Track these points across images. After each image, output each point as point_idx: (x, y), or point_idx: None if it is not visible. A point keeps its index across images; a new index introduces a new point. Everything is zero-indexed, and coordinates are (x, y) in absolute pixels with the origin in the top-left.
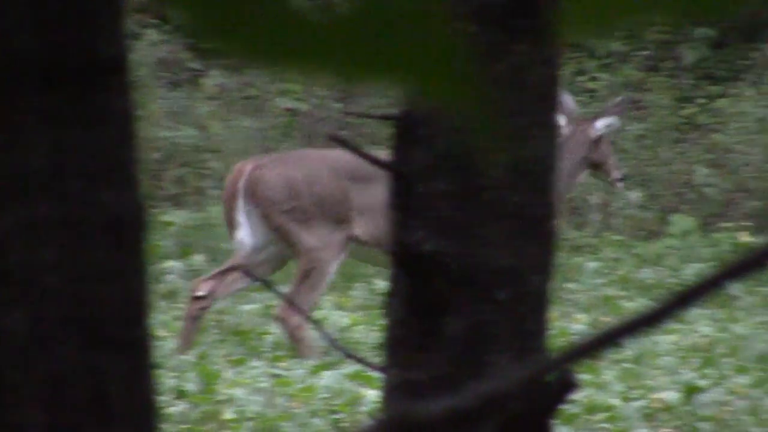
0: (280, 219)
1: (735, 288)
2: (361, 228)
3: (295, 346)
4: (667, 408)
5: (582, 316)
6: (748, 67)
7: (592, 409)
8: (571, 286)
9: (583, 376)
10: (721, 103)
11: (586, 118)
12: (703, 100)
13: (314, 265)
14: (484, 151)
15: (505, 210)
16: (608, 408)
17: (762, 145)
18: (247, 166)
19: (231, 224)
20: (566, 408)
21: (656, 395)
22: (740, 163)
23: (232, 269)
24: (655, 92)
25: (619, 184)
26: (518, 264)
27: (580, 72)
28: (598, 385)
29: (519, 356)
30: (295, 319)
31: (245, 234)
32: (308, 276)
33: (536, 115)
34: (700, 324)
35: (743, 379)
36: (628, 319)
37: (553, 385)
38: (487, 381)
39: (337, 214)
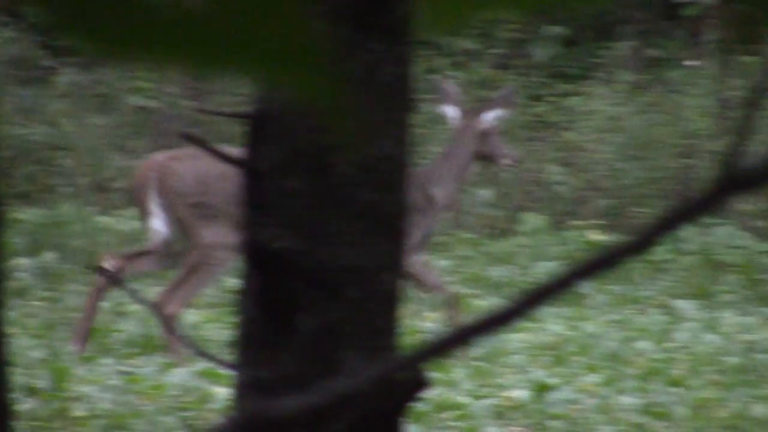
0: (185, 211)
1: (585, 286)
2: None
3: (164, 336)
4: (517, 406)
5: (432, 314)
6: (599, 65)
7: (442, 407)
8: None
9: (434, 374)
10: (572, 101)
11: (474, 110)
12: (554, 99)
13: (207, 262)
14: (337, 149)
15: (356, 208)
16: (458, 406)
17: (613, 143)
18: (160, 157)
19: (143, 212)
20: (416, 406)
21: (506, 393)
22: (591, 162)
23: (143, 253)
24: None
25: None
26: (369, 262)
27: (432, 70)
28: (449, 383)
29: (370, 354)
30: (172, 308)
31: (159, 223)
32: (198, 271)
33: (389, 112)
34: (550, 322)
35: (593, 378)
36: (480, 317)
37: (403, 383)
38: (339, 379)
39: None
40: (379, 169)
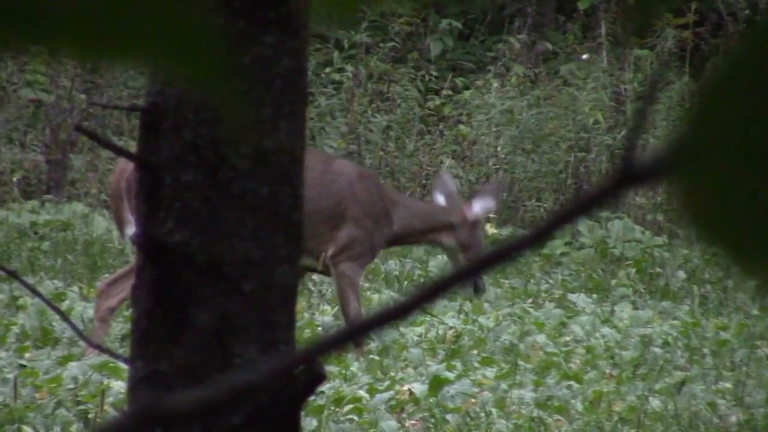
0: None
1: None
2: None
3: (96, 324)
4: (414, 400)
5: (328, 308)
6: (493, 59)
7: (339, 400)
8: (317, 278)
9: (331, 368)
10: (466, 94)
11: (464, 202)
12: (448, 92)
13: None
14: (232, 142)
15: (251, 201)
16: (355, 400)
17: (507, 136)
18: (129, 164)
19: (119, 223)
20: (313, 399)
21: (403, 387)
22: (485, 155)
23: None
24: (401, 84)
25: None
26: (265, 255)
27: (327, 63)
28: (345, 377)
29: (267, 348)
30: (111, 302)
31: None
32: None
33: (283, 106)
34: (446, 316)
35: (490, 371)
36: (376, 311)
37: (301, 377)
38: (235, 373)
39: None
40: (274, 162)
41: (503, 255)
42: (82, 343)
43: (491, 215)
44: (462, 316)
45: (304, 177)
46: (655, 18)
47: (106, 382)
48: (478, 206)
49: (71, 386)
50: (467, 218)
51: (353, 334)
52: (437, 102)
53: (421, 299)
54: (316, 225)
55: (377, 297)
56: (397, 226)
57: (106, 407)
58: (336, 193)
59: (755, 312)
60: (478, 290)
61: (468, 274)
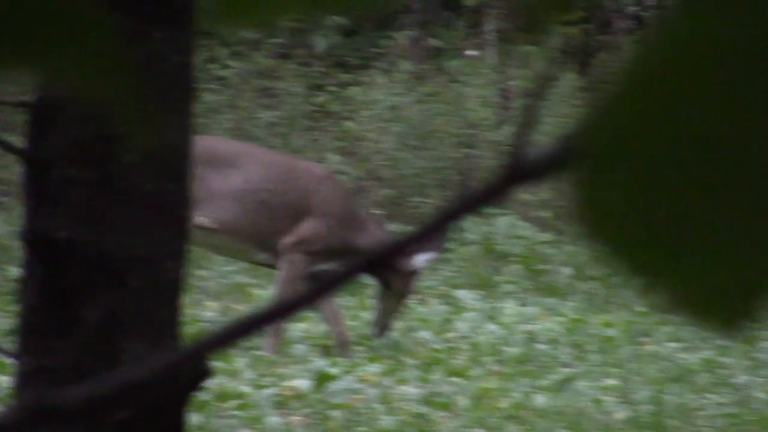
0: None
1: (367, 277)
2: (206, 216)
3: None
4: (299, 396)
5: (213, 304)
6: (380, 55)
7: (223, 396)
8: (202, 273)
9: (215, 364)
10: (352, 91)
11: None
12: (334, 88)
13: None
14: (120, 138)
15: (139, 197)
16: (240, 395)
17: (393, 133)
18: None
19: None
20: (198, 395)
21: (288, 383)
22: (371, 151)
23: None
24: (286, 80)
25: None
26: (152, 251)
27: (213, 59)
28: (230, 373)
29: (153, 344)
30: None
31: None
32: None
33: (172, 102)
34: None
35: (374, 368)
36: (262, 307)
37: (186, 373)
38: (122, 368)
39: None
40: (162, 159)
41: (391, 251)
42: None
43: (375, 210)
44: (346, 312)
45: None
46: (541, 16)
47: None
48: (421, 258)
49: None
50: (408, 267)
51: (239, 330)
52: (323, 98)
53: (306, 296)
54: (280, 220)
55: (262, 293)
56: (361, 244)
57: None
58: (302, 188)
59: (641, 309)
60: (383, 331)
61: (355, 272)
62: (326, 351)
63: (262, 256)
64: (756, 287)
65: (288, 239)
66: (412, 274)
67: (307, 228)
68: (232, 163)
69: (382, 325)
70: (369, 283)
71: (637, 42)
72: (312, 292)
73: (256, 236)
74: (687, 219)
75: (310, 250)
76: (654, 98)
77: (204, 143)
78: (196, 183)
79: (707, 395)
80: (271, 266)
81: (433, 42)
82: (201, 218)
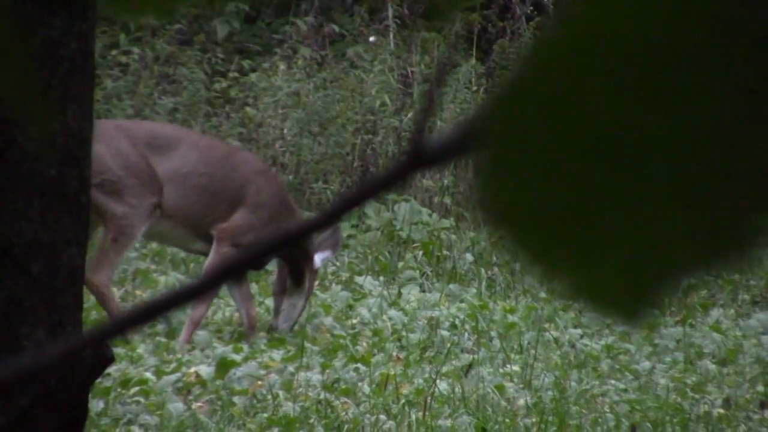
0: (93, 194)
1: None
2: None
3: (101, 306)
4: (201, 382)
5: (115, 290)
6: (280, 41)
7: (125, 382)
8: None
9: (117, 350)
10: (253, 77)
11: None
12: (235, 74)
13: (123, 231)
14: (19, 124)
15: (39, 184)
16: (142, 381)
17: (294, 119)
18: None
19: None
20: (100, 381)
21: (190, 369)
22: (272, 138)
23: None
24: (187, 66)
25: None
26: (53, 238)
27: (113, 46)
28: (132, 359)
29: (55, 330)
30: (100, 278)
31: None
32: (116, 242)
33: (71, 88)
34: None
35: (276, 354)
36: (164, 293)
37: (88, 359)
38: (23, 355)
39: (144, 181)
40: (61, 145)
41: (289, 238)
42: None
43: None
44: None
45: (210, 158)
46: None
47: None
48: (319, 257)
49: None
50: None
51: (141, 316)
52: (224, 84)
53: (208, 282)
54: (219, 206)
55: (164, 279)
56: None
57: None
58: (240, 177)
59: (543, 295)
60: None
61: (257, 255)
62: (231, 337)
63: (198, 244)
64: (658, 275)
65: (220, 225)
66: (314, 273)
67: (238, 218)
68: (171, 146)
69: (293, 321)
70: (269, 269)
71: (538, 28)
72: (211, 279)
73: (194, 221)
74: (587, 206)
75: (238, 241)
76: (554, 85)
77: (144, 127)
78: (150, 166)
79: (609, 381)
80: (205, 254)
81: (334, 28)
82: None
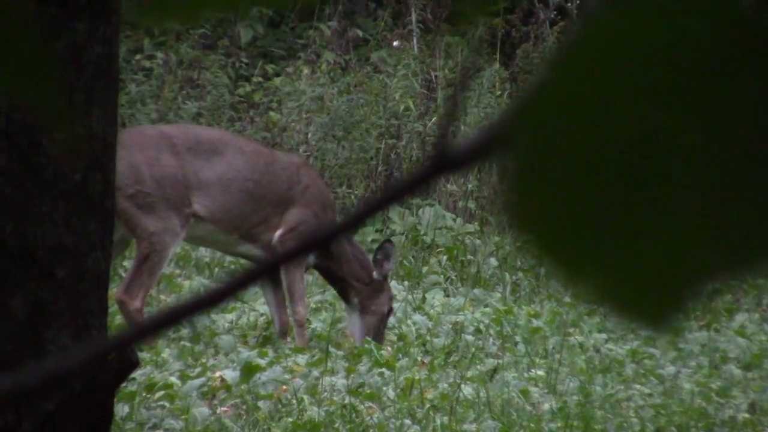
0: (124, 204)
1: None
2: (200, 204)
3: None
4: (226, 386)
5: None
6: (304, 46)
7: (151, 387)
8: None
9: (143, 354)
10: (277, 81)
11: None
12: (259, 79)
13: (155, 248)
14: (44, 129)
15: (64, 188)
16: (167, 386)
17: (318, 123)
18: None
19: None
20: (125, 386)
21: (215, 374)
22: (296, 142)
23: None
24: (211, 71)
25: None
26: (77, 242)
27: (137, 50)
28: (157, 363)
29: (80, 334)
30: (135, 303)
31: None
32: (148, 259)
33: (95, 93)
34: (258, 303)
35: (302, 358)
36: (189, 297)
37: (114, 363)
38: (49, 360)
39: (177, 195)
40: (85, 149)
41: (315, 243)
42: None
43: None
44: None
45: (257, 164)
46: (464, 7)
47: None
48: (377, 273)
49: None
50: (374, 279)
51: (166, 321)
52: (248, 89)
53: (233, 286)
54: (265, 209)
55: (188, 284)
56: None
57: None
58: (285, 179)
59: (567, 300)
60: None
61: (279, 262)
62: (256, 342)
63: (245, 247)
64: (684, 281)
65: (279, 232)
66: (378, 287)
67: (293, 217)
68: (217, 151)
69: (358, 338)
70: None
71: (564, 35)
72: (236, 284)
73: (239, 226)
74: (613, 212)
75: (301, 236)
76: (580, 91)
77: (189, 131)
78: (186, 171)
79: (634, 386)
80: (252, 258)
81: (357, 32)
82: (196, 206)
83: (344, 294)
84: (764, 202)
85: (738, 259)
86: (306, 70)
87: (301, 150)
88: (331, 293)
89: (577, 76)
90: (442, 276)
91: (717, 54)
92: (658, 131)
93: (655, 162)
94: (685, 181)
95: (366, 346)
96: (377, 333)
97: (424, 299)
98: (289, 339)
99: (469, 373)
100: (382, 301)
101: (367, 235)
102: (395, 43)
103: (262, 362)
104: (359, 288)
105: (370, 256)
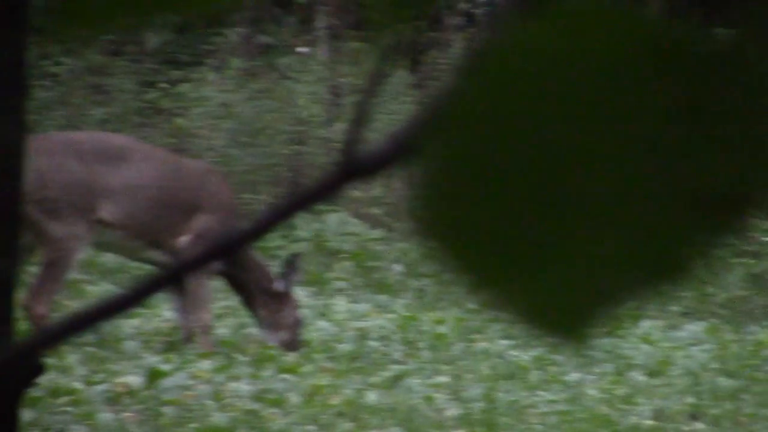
0: (30, 210)
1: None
2: (106, 210)
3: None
4: (131, 392)
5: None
6: (211, 52)
7: (55, 392)
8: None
9: (47, 360)
10: (183, 87)
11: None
12: (165, 85)
13: (61, 254)
14: None
15: None
16: (72, 392)
17: (224, 130)
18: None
19: None
20: (31, 391)
21: (120, 379)
22: (203, 148)
23: None
24: (117, 77)
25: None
26: None
27: (44, 56)
28: (62, 369)
29: None
30: (41, 309)
31: None
32: (53, 265)
33: (5, 99)
34: (162, 309)
35: (206, 364)
36: (95, 303)
37: (19, 370)
38: None
39: (83, 202)
40: None
41: (221, 250)
42: None
43: None
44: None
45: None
46: (370, 13)
47: None
48: (279, 284)
49: None
50: (278, 291)
51: (72, 327)
52: (154, 95)
53: (138, 293)
54: (172, 216)
55: (93, 289)
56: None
57: None
58: (192, 186)
59: (472, 306)
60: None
61: (183, 269)
62: (161, 348)
63: (152, 253)
64: (597, 295)
65: (185, 238)
66: (282, 299)
67: (199, 224)
68: (124, 158)
69: (279, 343)
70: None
71: (472, 42)
72: (142, 290)
73: (147, 232)
74: (521, 222)
75: (207, 243)
76: (491, 100)
77: (96, 138)
78: (93, 178)
79: (539, 392)
80: (158, 264)
81: (264, 39)
82: (102, 213)
83: (249, 304)
84: (676, 217)
85: (651, 274)
86: (212, 76)
87: (207, 156)
88: (235, 299)
89: (487, 85)
90: (346, 282)
91: (626, 66)
92: (568, 143)
93: (563, 174)
94: (596, 195)
95: (270, 352)
96: (290, 344)
97: (328, 305)
98: (193, 345)
99: (373, 379)
100: (288, 313)
101: (272, 241)
102: (302, 50)
103: (167, 368)
104: (264, 300)
105: (275, 263)
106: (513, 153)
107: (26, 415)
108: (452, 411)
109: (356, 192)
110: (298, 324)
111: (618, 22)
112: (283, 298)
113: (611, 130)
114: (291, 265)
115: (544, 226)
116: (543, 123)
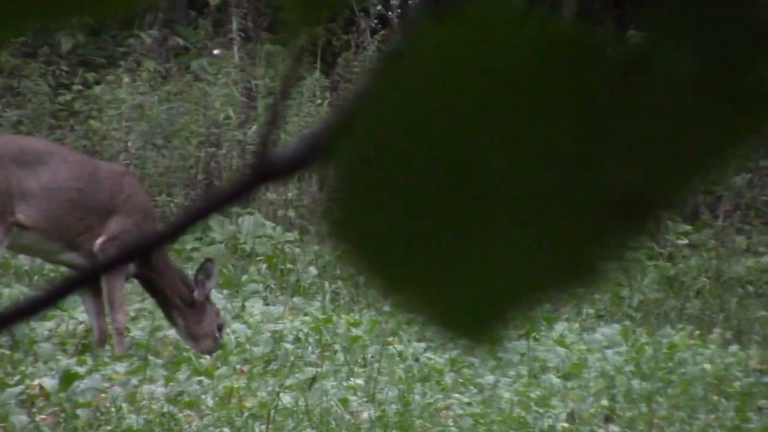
0: None
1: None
2: (23, 213)
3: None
4: (45, 394)
5: None
6: (125, 54)
7: None
8: None
9: None
10: (97, 89)
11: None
12: (79, 87)
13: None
14: None
15: None
16: None
17: (137, 132)
18: None
19: None
20: None
21: (34, 382)
22: (117, 150)
23: None
24: (31, 79)
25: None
26: None
27: None
28: None
29: None
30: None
31: None
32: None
33: None
34: (77, 311)
35: (120, 367)
36: (8, 306)
37: None
38: None
39: (3, 201)
40: None
41: (139, 250)
42: None
43: None
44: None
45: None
46: (285, 15)
47: None
48: (197, 293)
49: None
50: (197, 300)
51: None
52: (68, 97)
53: (53, 295)
54: (89, 218)
55: (8, 291)
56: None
57: None
58: (108, 188)
59: (386, 309)
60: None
61: (102, 269)
62: (75, 350)
63: (69, 256)
64: (506, 299)
65: (101, 240)
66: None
67: (115, 226)
68: (41, 161)
69: (200, 348)
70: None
71: (386, 44)
72: (56, 293)
73: (64, 234)
74: (433, 226)
75: (122, 245)
76: (403, 103)
77: (12, 142)
78: (10, 181)
79: (453, 395)
80: (75, 266)
81: (178, 41)
82: (19, 216)
83: (166, 308)
84: (582, 222)
85: (559, 278)
86: (126, 79)
87: (121, 158)
88: (150, 302)
89: (399, 88)
90: (261, 284)
91: (538, 70)
92: (478, 145)
93: (474, 177)
94: (504, 200)
95: (185, 354)
96: (213, 349)
97: (243, 308)
98: (108, 347)
99: (288, 382)
100: (209, 321)
101: (187, 243)
102: (216, 52)
103: (81, 370)
104: (182, 309)
105: (190, 265)
106: (424, 156)
107: None
108: (367, 413)
109: (271, 194)
110: (220, 330)
111: (529, 25)
112: (203, 308)
113: (521, 132)
114: (206, 271)
115: (455, 228)
116: (453, 126)
